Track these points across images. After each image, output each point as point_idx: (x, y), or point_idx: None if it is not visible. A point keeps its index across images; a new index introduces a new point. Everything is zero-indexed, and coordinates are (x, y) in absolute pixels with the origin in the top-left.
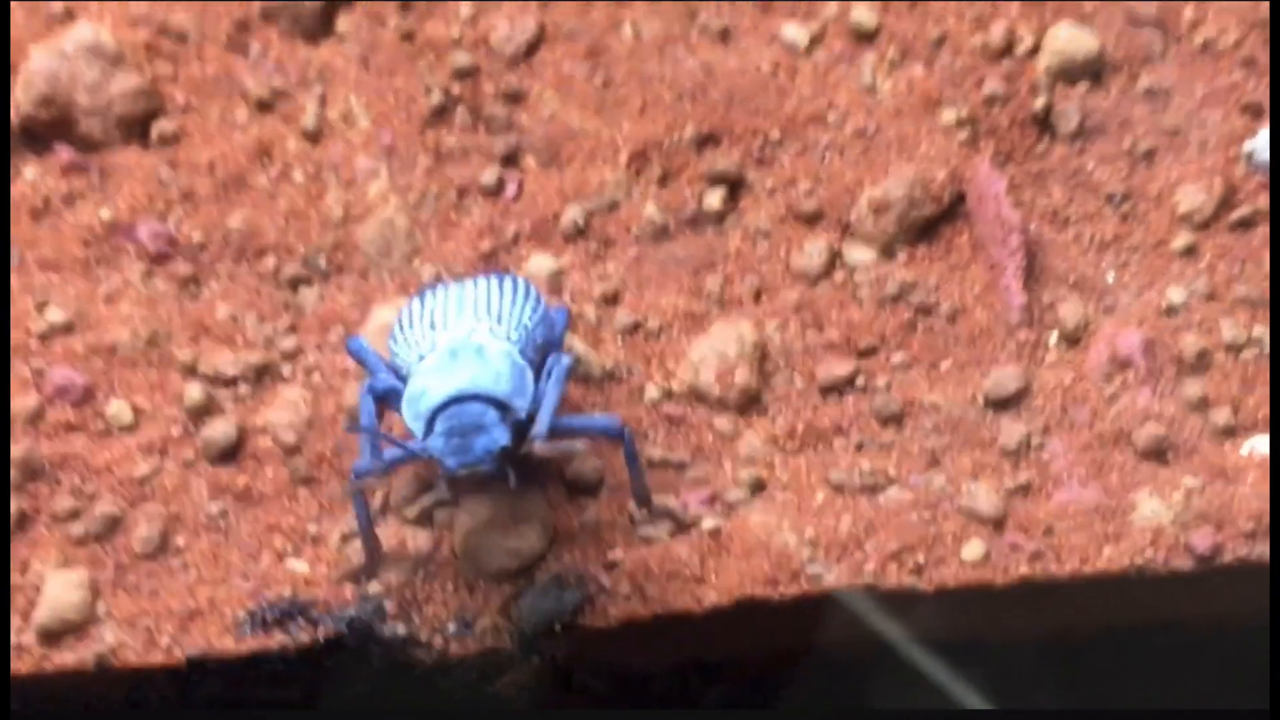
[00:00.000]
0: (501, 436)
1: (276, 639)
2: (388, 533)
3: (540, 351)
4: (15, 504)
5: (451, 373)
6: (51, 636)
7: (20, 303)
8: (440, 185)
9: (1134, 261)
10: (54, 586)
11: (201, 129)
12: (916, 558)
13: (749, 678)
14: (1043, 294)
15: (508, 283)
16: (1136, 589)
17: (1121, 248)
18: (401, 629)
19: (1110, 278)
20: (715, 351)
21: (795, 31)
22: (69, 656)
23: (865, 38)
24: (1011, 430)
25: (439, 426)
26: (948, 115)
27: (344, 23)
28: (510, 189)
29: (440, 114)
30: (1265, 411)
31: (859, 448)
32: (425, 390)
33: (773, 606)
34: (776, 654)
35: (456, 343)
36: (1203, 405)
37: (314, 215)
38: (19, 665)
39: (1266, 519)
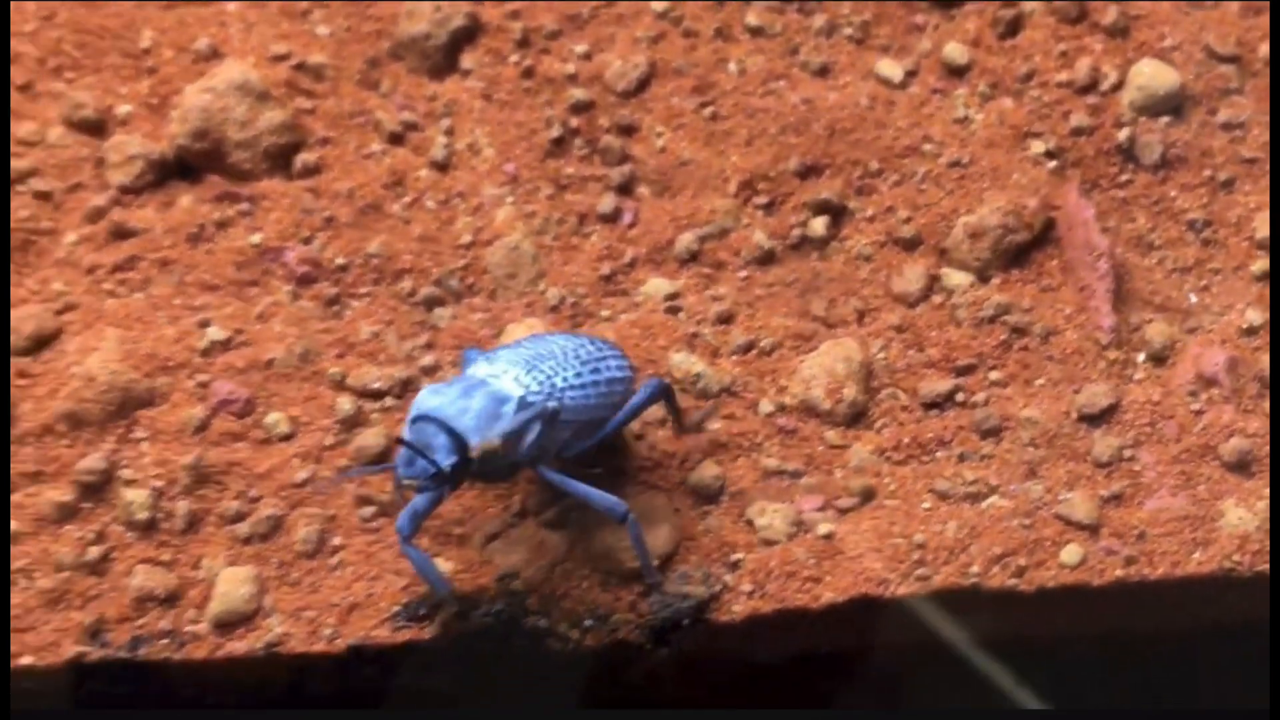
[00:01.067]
0: (442, 460)
1: (428, 630)
2: (526, 534)
3: (594, 412)
4: (186, 506)
5: (437, 395)
6: (224, 626)
7: (184, 321)
8: (561, 212)
9: (1215, 284)
10: (225, 582)
11: (340, 160)
12: (1018, 561)
13: (864, 671)
14: (1130, 315)
15: (583, 346)
16: (1224, 592)
17: (1203, 271)
18: (541, 621)
19: (1193, 300)
20: (824, 369)
21: (890, 67)
22: (240, 645)
23: (956, 73)
24: (1104, 443)
25: (406, 437)
26: (1037, 146)
27: (467, 60)
28: (626, 216)
29: (559, 145)
30: None
31: (961, 459)
32: (413, 405)
33: (884, 604)
34: (888, 649)
35: (472, 377)
36: None
37: (445, 240)
38: (195, 651)
39: None
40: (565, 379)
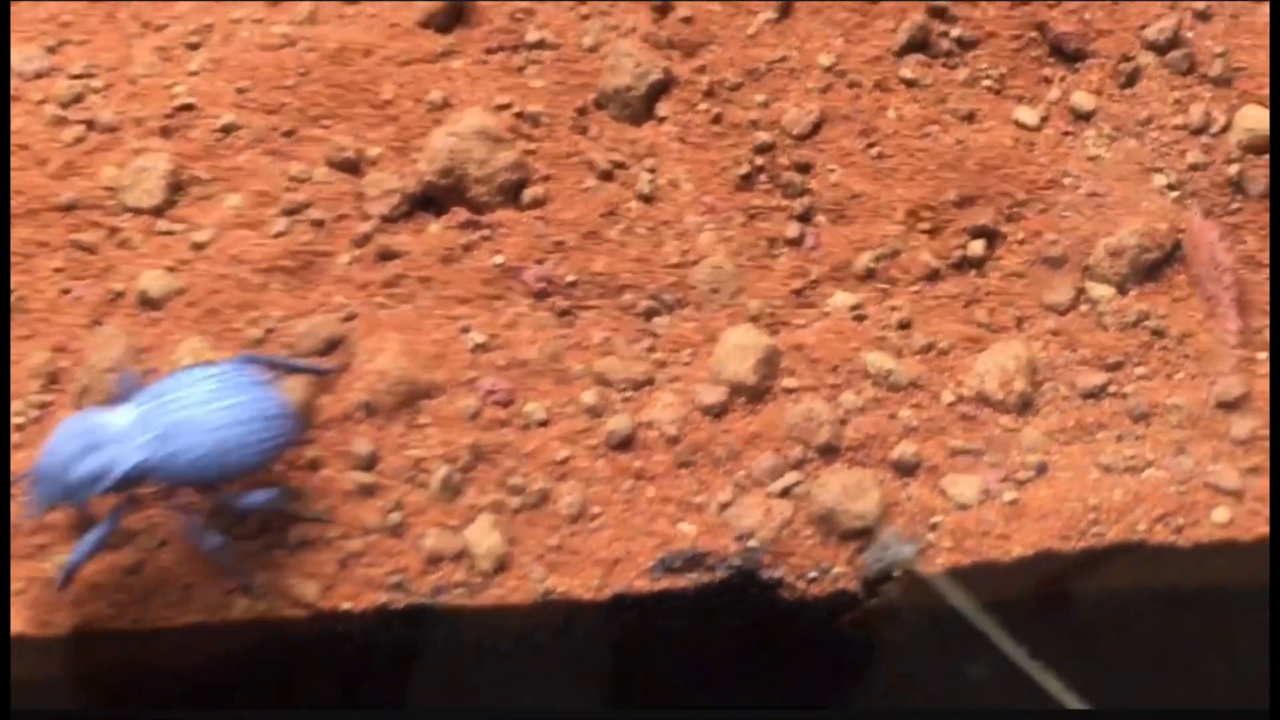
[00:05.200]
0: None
1: (682, 580)
2: (754, 501)
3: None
4: (460, 479)
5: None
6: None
7: (448, 328)
8: (753, 237)
9: None
10: (484, 540)
11: (561, 193)
12: (1177, 520)
13: (1044, 616)
14: (1251, 321)
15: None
16: None
17: None
18: (774, 574)
19: None
20: (996, 365)
21: (1027, 113)
22: (518, 595)
23: (1084, 118)
24: (1241, 425)
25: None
26: (1159, 180)
27: (663, 108)
28: (809, 240)
29: (747, 180)
30: None
31: (1119, 439)
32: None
33: (1065, 557)
34: (1064, 596)
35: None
36: None
37: (656, 260)
38: (484, 599)
39: None
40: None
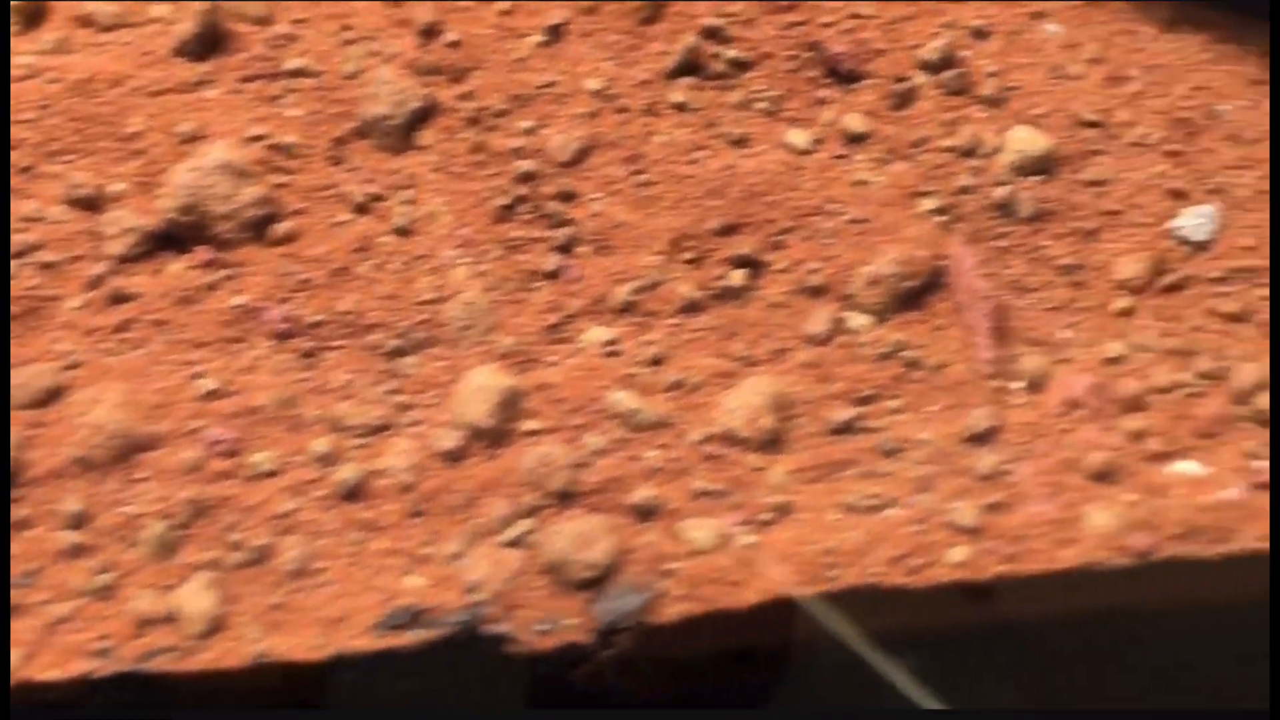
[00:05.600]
0: None
1: (405, 638)
2: (485, 552)
3: None
4: (176, 536)
5: None
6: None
7: (178, 374)
8: (511, 270)
9: (1083, 321)
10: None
11: (312, 228)
12: (913, 561)
13: (787, 664)
14: (1010, 349)
15: None
16: (1087, 583)
17: (1072, 310)
18: (504, 628)
19: (1063, 335)
20: (744, 401)
21: (799, 136)
22: (231, 658)
23: (856, 140)
24: (987, 459)
25: None
26: (927, 204)
27: (425, 137)
28: (569, 273)
29: (508, 211)
30: (1191, 440)
31: (865, 476)
32: None
33: (800, 603)
34: (802, 643)
35: None
36: (1140, 436)
37: (408, 297)
38: (192, 664)
39: (1190, 526)
40: None
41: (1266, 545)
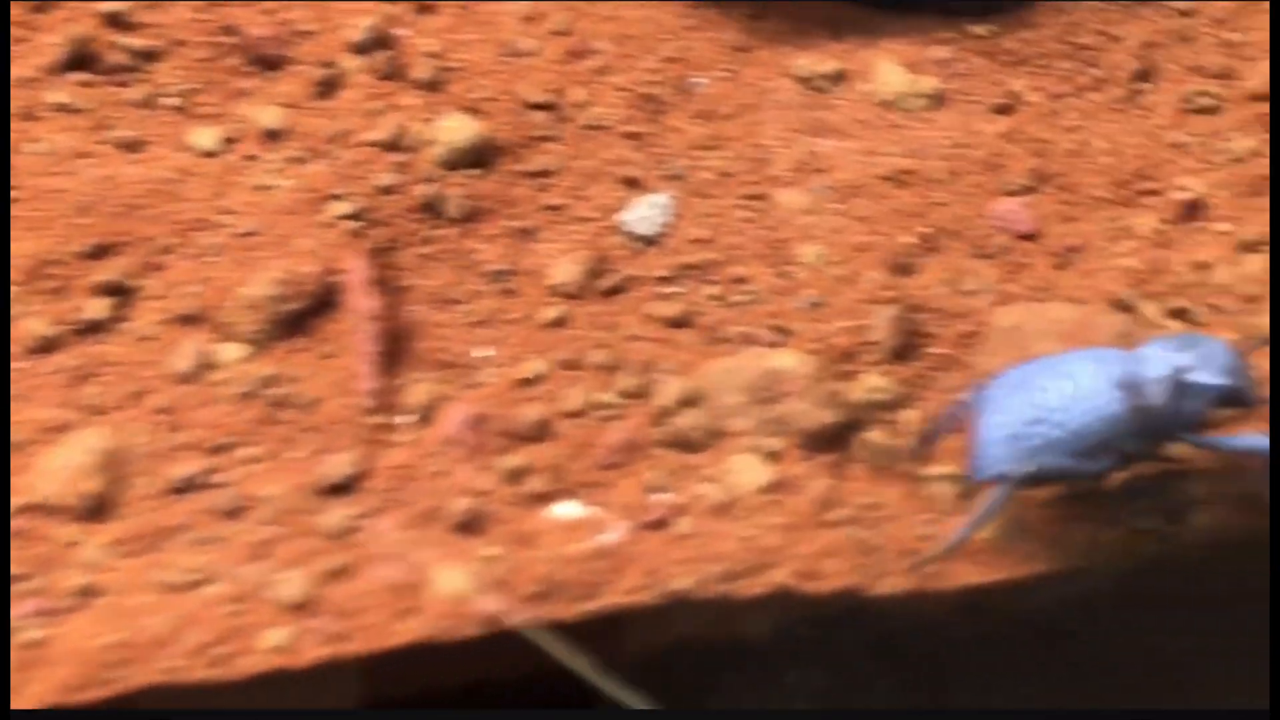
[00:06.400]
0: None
1: None
2: None
3: None
4: None
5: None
6: None
7: None
8: None
9: (509, 335)
10: None
11: None
12: (223, 649)
13: None
14: (406, 376)
15: None
16: (434, 659)
17: (498, 323)
18: None
19: (480, 354)
20: (66, 462)
21: (205, 136)
22: None
23: (273, 137)
24: (336, 515)
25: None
26: (339, 208)
27: None
28: None
29: None
30: (586, 474)
31: (194, 545)
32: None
33: (88, 713)
34: None
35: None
36: (519, 475)
37: None
38: None
39: (550, 582)
40: None
41: (639, 599)
